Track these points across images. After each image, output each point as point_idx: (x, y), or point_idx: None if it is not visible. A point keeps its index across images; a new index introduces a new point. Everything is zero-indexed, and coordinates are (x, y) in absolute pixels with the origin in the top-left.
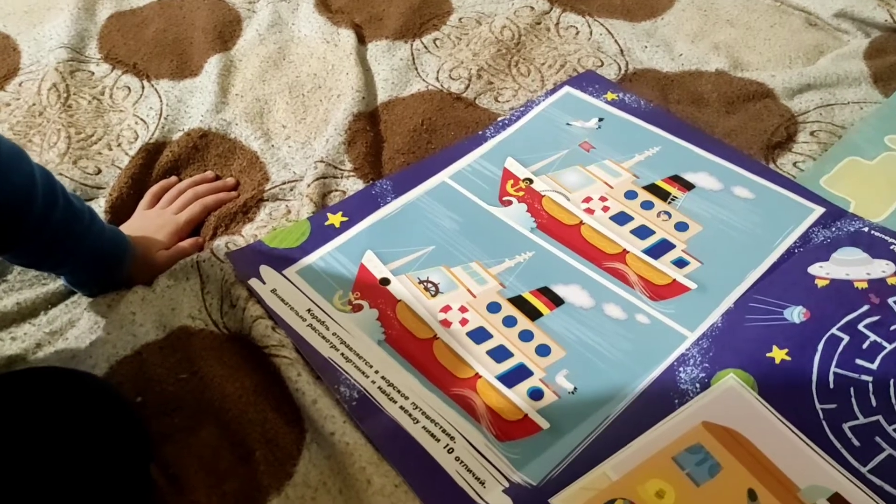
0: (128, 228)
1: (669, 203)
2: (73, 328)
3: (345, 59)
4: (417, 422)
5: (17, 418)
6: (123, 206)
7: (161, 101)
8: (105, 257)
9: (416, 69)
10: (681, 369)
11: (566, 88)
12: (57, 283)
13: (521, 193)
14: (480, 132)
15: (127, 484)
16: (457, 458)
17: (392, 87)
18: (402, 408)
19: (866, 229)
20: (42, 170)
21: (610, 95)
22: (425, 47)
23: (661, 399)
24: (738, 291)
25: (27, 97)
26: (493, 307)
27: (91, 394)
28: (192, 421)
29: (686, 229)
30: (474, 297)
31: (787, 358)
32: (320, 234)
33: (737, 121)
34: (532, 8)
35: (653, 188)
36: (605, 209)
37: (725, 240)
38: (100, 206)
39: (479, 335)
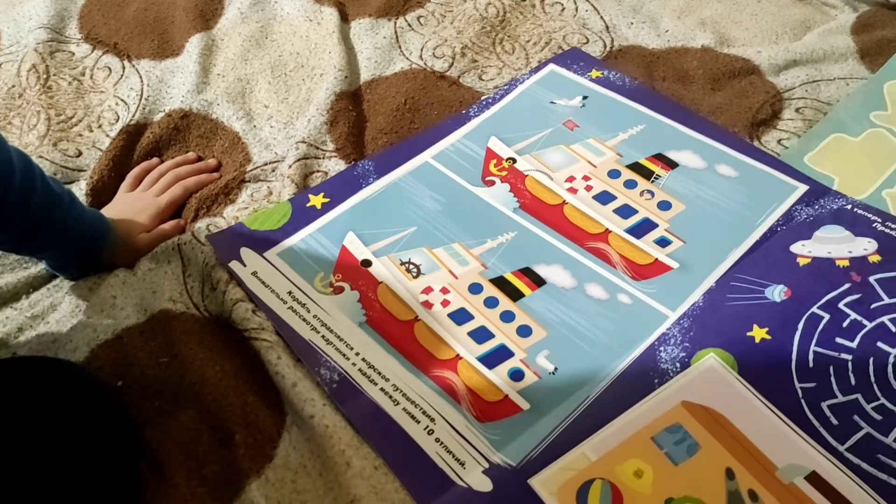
0: (109, 211)
1: (653, 182)
2: (55, 312)
3: (327, 38)
4: (398, 403)
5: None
6: (105, 189)
7: (142, 81)
8: (86, 241)
9: (400, 47)
10: (661, 349)
11: (551, 66)
12: (38, 267)
13: (504, 173)
14: (464, 111)
15: (115, 479)
16: (437, 440)
17: (375, 65)
18: (382, 389)
19: (849, 207)
20: (19, 153)
21: (595, 73)
22: (409, 25)
23: (641, 379)
24: (719, 270)
25: (6, 79)
26: (475, 288)
27: (78, 387)
28: (173, 405)
29: (669, 208)
30: (456, 278)
31: (768, 337)
32: (301, 215)
33: (722, 98)
34: None
35: (636, 167)
36: (589, 188)
37: (708, 218)
38: (81, 189)
39: (461, 316)
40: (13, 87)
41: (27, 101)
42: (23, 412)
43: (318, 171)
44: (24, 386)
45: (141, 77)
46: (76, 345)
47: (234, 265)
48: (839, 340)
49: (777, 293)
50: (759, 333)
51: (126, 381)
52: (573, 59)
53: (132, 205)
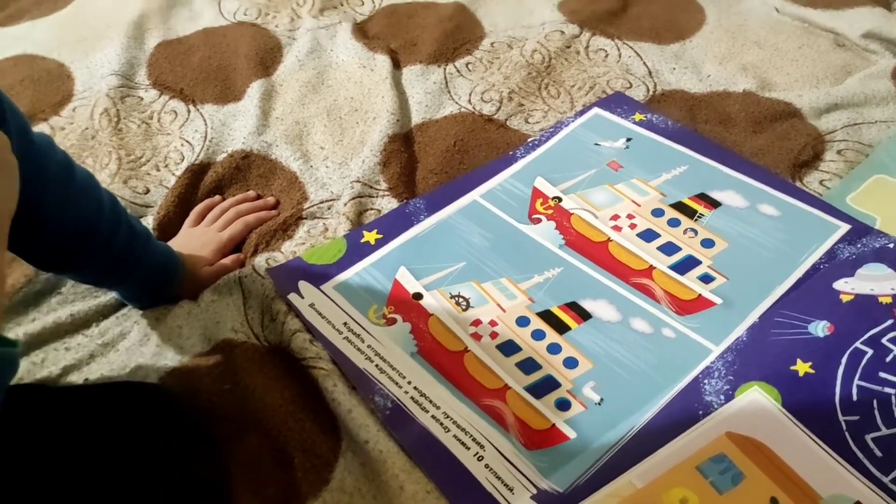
0: (174, 245)
1: (696, 220)
2: (125, 340)
3: (380, 83)
4: (448, 430)
5: (106, 432)
6: (170, 224)
7: (206, 124)
8: (159, 274)
9: (449, 92)
10: (705, 381)
11: (595, 109)
12: (108, 296)
13: (550, 211)
14: (511, 152)
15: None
16: (486, 466)
17: (426, 109)
18: (433, 417)
19: (892, 245)
20: (109, 194)
21: (638, 116)
22: (458, 71)
23: (686, 410)
24: (763, 306)
25: (80, 121)
26: (522, 321)
27: (170, 412)
28: (236, 430)
29: (712, 246)
30: (504, 311)
31: (811, 371)
32: (356, 250)
33: (764, 140)
34: (562, 32)
35: (679, 206)
36: (633, 226)
37: (751, 256)
38: (148, 224)
39: (509, 348)
40: (86, 129)
41: (99, 143)
42: (123, 436)
43: (371, 209)
44: (123, 410)
45: (205, 120)
46: (146, 372)
47: (292, 297)
48: (882, 375)
49: (820, 329)
50: (802, 367)
51: (193, 408)
52: (617, 102)
53: (196, 239)
